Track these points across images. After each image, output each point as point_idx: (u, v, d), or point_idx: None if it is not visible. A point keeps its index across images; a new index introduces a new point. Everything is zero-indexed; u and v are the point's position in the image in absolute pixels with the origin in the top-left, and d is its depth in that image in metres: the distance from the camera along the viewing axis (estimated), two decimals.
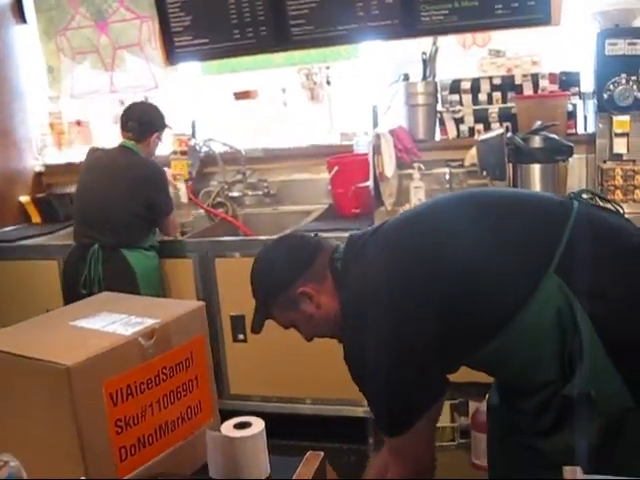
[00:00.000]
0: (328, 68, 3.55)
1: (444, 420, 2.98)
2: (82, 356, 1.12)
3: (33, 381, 1.15)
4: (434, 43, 3.25)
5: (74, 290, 2.91)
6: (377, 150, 3.00)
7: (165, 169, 3.26)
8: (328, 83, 3.56)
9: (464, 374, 1.53)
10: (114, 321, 1.28)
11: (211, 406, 1.40)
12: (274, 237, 3.07)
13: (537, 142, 2.80)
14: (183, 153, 3.62)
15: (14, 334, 1.30)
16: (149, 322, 1.26)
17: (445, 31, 3.18)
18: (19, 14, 4.07)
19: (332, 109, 3.58)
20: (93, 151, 3.22)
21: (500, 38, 3.30)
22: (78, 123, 4.15)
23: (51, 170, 4.13)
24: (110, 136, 4.07)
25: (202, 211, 3.63)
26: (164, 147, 3.62)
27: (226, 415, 2.83)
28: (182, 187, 3.60)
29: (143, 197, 2.98)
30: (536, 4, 3.03)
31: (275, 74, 3.66)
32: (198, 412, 1.36)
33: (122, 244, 2.94)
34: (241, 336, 3.07)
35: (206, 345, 1.38)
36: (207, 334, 1.38)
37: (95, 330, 1.24)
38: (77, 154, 4.10)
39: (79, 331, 1.25)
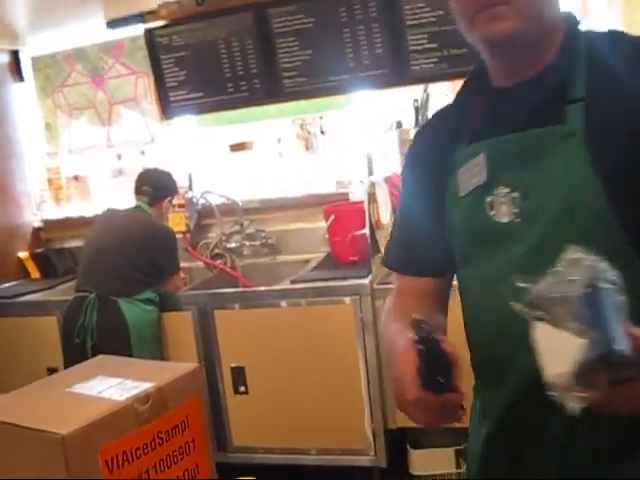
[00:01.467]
0: (322, 118, 3.60)
1: (449, 466, 2.96)
2: (77, 424, 1.12)
3: (29, 450, 1.15)
4: (425, 90, 3.29)
5: (70, 340, 2.94)
6: (372, 198, 3.02)
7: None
8: (322, 132, 3.61)
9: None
10: (110, 386, 1.28)
11: (209, 468, 1.39)
12: (274, 287, 3.12)
13: None
14: (180, 206, 3.64)
15: (9, 402, 1.30)
16: (145, 386, 1.26)
17: (435, 78, 3.23)
18: (16, 72, 4.15)
19: (327, 158, 3.62)
20: (108, 210, 3.30)
21: None
22: (76, 178, 4.20)
23: (49, 225, 4.17)
24: (108, 190, 4.12)
25: (201, 263, 3.64)
26: None
27: (231, 468, 2.80)
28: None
29: (150, 256, 3.08)
30: None
31: (270, 125, 3.71)
32: (196, 475, 1.35)
33: (119, 294, 2.97)
34: (242, 388, 3.06)
35: (203, 407, 1.37)
36: (204, 395, 1.38)
37: (91, 396, 1.24)
38: (75, 209, 4.14)
39: (75, 397, 1.25)
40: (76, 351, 2.91)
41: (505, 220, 1.18)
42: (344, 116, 3.59)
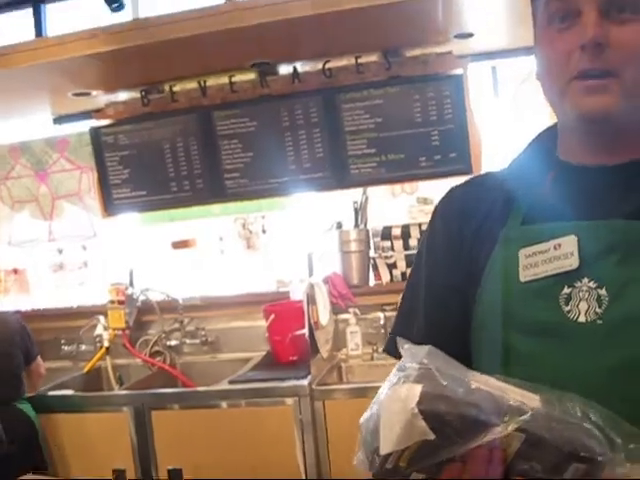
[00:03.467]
0: (263, 217, 3.67)
1: None
2: None
3: None
4: (364, 193, 3.39)
5: None
6: (311, 299, 3.06)
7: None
8: (264, 232, 3.67)
9: None
10: None
11: None
12: (213, 388, 3.09)
13: None
14: (120, 302, 3.62)
15: None
16: None
17: (373, 182, 3.34)
18: None
19: (268, 257, 3.67)
20: None
21: (427, 186, 3.46)
22: (15, 271, 4.15)
23: None
24: (47, 284, 4.08)
25: (139, 361, 3.61)
26: (101, 296, 3.65)
27: None
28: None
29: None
30: (457, 156, 3.23)
31: (212, 223, 3.75)
32: None
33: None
34: None
35: None
36: None
37: None
38: (13, 302, 4.07)
39: None
40: None
41: (582, 320, 0.99)
42: (285, 216, 3.66)
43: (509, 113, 3.37)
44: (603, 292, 0.98)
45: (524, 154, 1.18)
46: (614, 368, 0.96)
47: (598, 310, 0.98)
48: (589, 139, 1.07)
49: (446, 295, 1.15)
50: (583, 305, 0.99)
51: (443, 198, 1.25)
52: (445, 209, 1.23)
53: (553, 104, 1.08)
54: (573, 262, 1.00)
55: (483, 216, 1.14)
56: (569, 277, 1.01)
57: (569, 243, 1.01)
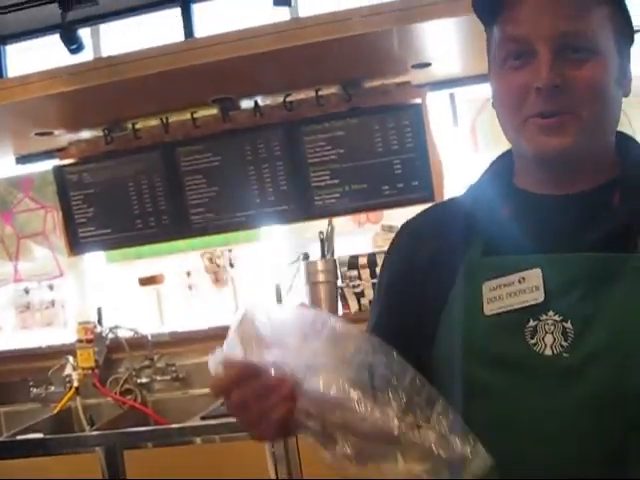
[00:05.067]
0: (230, 251, 3.67)
1: None
2: None
3: None
4: (329, 223, 3.42)
5: None
6: None
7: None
8: (231, 265, 3.67)
9: None
10: None
11: None
12: (187, 424, 3.07)
13: None
14: (89, 341, 3.59)
15: None
16: None
17: (338, 212, 3.37)
18: None
19: (236, 290, 3.67)
20: None
21: (392, 214, 3.49)
22: None
23: None
24: (14, 325, 4.04)
25: (110, 400, 3.57)
26: (69, 336, 3.62)
27: None
28: None
29: None
30: (419, 183, 3.28)
31: (179, 258, 3.75)
32: None
33: None
34: None
35: None
36: None
37: None
38: None
39: None
40: None
41: (548, 353, 0.98)
42: (252, 249, 3.68)
43: (468, 140, 3.42)
44: (568, 325, 0.98)
45: (480, 182, 1.18)
46: (581, 402, 0.97)
47: (564, 343, 0.98)
48: (546, 173, 1.08)
49: (397, 332, 1.13)
50: (549, 338, 0.99)
51: (397, 233, 1.25)
52: (401, 240, 1.24)
53: (509, 137, 1.09)
54: (538, 296, 1.00)
55: (439, 247, 1.13)
56: (534, 310, 1.00)
57: (534, 276, 1.00)
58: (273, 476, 2.85)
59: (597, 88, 1.01)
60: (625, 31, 1.06)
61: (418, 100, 3.32)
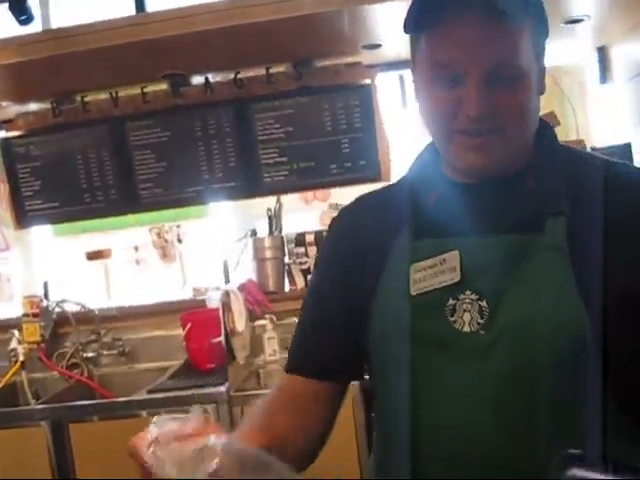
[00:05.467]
0: (179, 227, 3.68)
1: None
2: None
3: None
4: (278, 200, 3.45)
5: None
6: (227, 307, 3.10)
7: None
8: (179, 241, 3.69)
9: None
10: None
11: None
12: (132, 398, 3.09)
13: None
14: (35, 315, 3.57)
15: None
16: None
17: (286, 190, 3.42)
18: None
19: (184, 266, 3.69)
20: None
21: (339, 192, 3.54)
22: None
23: None
24: None
25: (56, 374, 3.57)
26: (14, 310, 3.59)
27: None
28: None
29: None
30: (367, 163, 3.33)
31: (128, 233, 3.75)
32: None
33: None
34: None
35: None
36: None
37: None
38: None
39: None
40: None
41: (466, 330, 1.06)
42: (201, 225, 3.69)
43: (416, 122, 3.47)
44: (484, 304, 1.06)
45: (412, 171, 1.24)
46: (497, 376, 1.04)
47: (480, 321, 1.05)
48: (473, 176, 1.14)
49: (332, 316, 1.21)
50: (467, 316, 1.07)
51: (333, 219, 1.31)
52: (334, 229, 1.30)
53: (437, 143, 1.15)
54: (455, 276, 1.07)
55: (373, 233, 1.20)
56: (453, 290, 1.08)
57: (452, 258, 1.08)
58: None
59: (523, 109, 1.06)
60: (542, 33, 1.11)
61: (368, 81, 3.37)
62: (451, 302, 1.08)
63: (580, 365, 1.01)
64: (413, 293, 1.10)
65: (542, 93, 1.13)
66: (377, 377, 1.19)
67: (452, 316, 1.07)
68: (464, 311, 1.07)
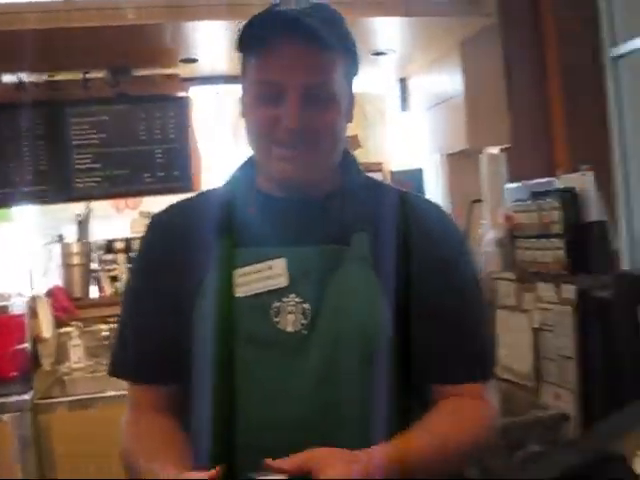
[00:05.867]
0: None
1: None
2: None
3: None
4: (87, 206, 3.42)
5: None
6: (33, 313, 3.04)
7: None
8: None
9: None
10: None
11: None
12: None
13: None
14: None
15: None
16: None
17: (98, 197, 3.41)
18: None
19: None
20: None
21: (150, 200, 3.57)
22: None
23: None
24: None
25: None
26: None
27: None
28: None
29: None
30: (180, 174, 3.42)
31: None
32: None
33: None
34: None
35: None
36: None
37: None
38: None
39: None
40: None
41: (290, 329, 1.16)
42: (6, 228, 3.55)
43: (230, 135, 3.59)
44: (307, 306, 1.17)
45: (228, 184, 1.32)
46: (311, 374, 1.16)
47: (304, 322, 1.16)
48: (286, 189, 1.24)
49: (154, 322, 1.26)
50: (291, 317, 1.17)
51: (147, 227, 1.34)
52: (149, 235, 1.33)
53: (256, 153, 1.25)
54: (282, 281, 1.18)
55: (189, 240, 1.25)
56: (279, 293, 1.17)
57: (279, 265, 1.18)
58: (21, 458, 2.81)
59: (332, 129, 1.20)
60: (353, 69, 1.26)
61: (184, 93, 3.44)
62: (276, 304, 1.17)
63: (383, 363, 1.16)
64: (239, 295, 1.18)
65: (349, 121, 1.27)
66: (197, 375, 1.22)
67: (277, 317, 1.16)
68: (288, 313, 1.17)
